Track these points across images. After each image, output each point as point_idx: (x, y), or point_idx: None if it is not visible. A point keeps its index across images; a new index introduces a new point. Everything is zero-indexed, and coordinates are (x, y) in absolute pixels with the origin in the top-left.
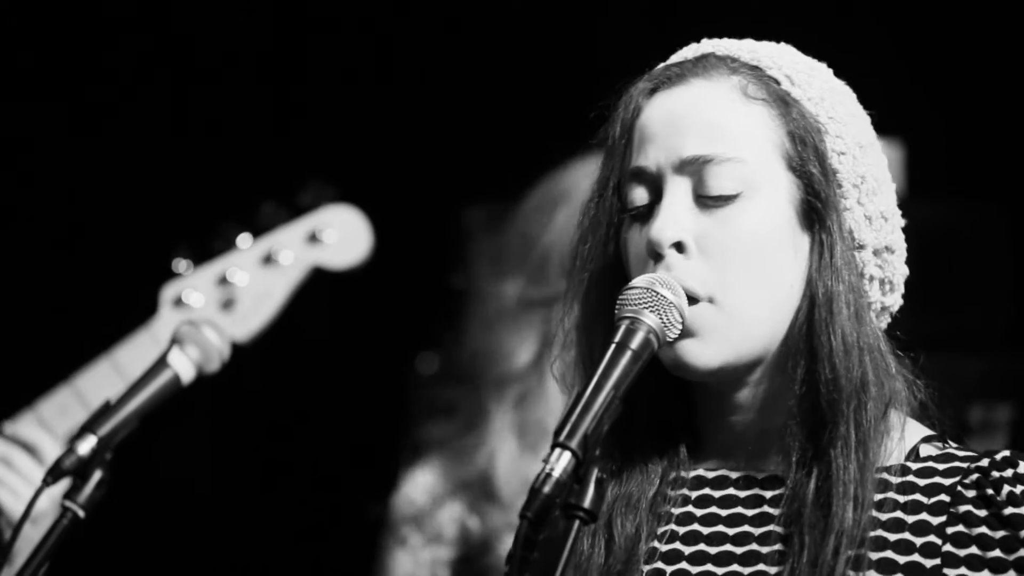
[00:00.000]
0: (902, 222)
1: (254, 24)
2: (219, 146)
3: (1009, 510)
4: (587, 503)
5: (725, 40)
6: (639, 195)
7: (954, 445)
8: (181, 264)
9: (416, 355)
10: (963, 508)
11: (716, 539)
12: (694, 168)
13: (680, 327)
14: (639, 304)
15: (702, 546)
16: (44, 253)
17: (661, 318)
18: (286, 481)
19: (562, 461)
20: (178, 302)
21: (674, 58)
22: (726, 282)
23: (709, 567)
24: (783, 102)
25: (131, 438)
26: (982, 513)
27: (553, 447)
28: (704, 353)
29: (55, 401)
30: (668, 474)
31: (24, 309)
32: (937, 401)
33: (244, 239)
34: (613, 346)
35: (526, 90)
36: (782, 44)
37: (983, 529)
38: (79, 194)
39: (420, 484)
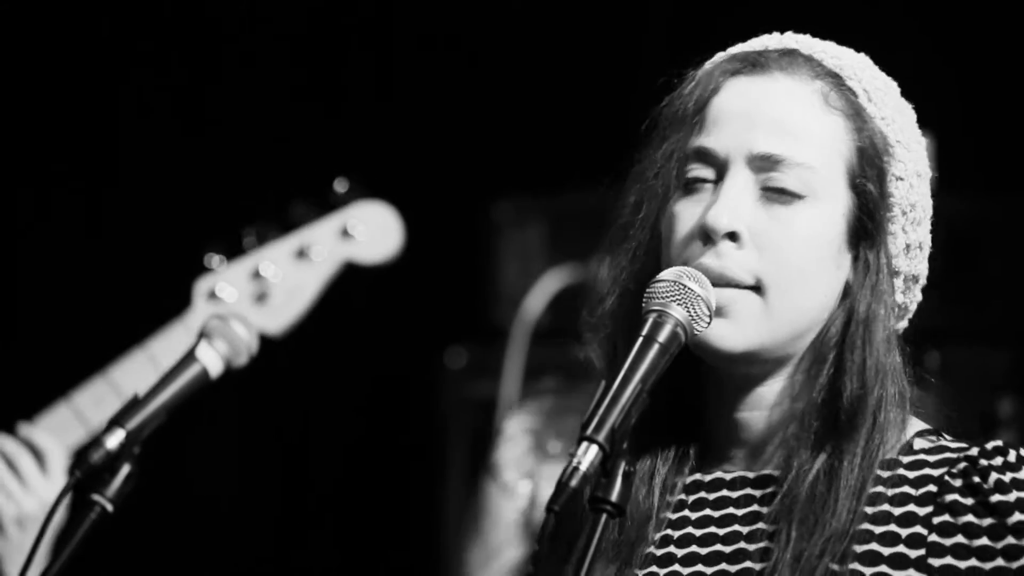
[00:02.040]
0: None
1: (289, 21)
2: (252, 142)
3: (996, 497)
4: (614, 496)
5: (808, 38)
6: (700, 174)
7: (948, 438)
8: (215, 259)
9: (445, 349)
10: (949, 497)
11: (707, 540)
12: (763, 164)
13: (708, 321)
14: (667, 297)
15: (694, 548)
16: (81, 247)
17: (689, 311)
18: (314, 475)
19: (589, 454)
20: (212, 295)
21: (755, 44)
22: (770, 278)
23: (699, 567)
24: (859, 117)
25: (159, 431)
26: (968, 502)
27: (580, 440)
28: (732, 336)
29: (90, 392)
30: (669, 478)
31: (61, 302)
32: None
33: (277, 234)
34: (641, 339)
35: (556, 85)
36: (861, 54)
37: (969, 517)
38: (115, 189)
39: (521, 424)
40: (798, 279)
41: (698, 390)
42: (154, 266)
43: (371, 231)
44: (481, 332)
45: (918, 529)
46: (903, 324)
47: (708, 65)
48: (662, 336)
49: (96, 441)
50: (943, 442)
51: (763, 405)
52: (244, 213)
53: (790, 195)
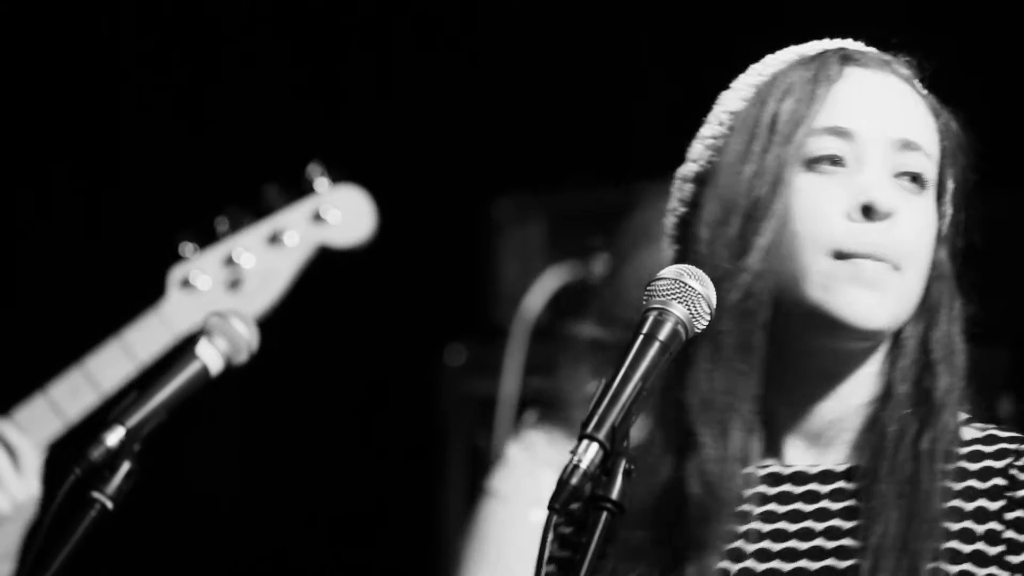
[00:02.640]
0: None
1: (289, 18)
2: (248, 141)
3: None
4: (615, 495)
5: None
6: (835, 151)
7: (992, 426)
8: (187, 247)
9: (444, 347)
10: (1021, 493)
11: (778, 536)
12: (899, 150)
13: (708, 318)
14: (667, 295)
15: (766, 543)
16: (53, 238)
17: (689, 309)
18: (312, 473)
19: (590, 453)
20: (185, 284)
21: (809, 48)
22: (908, 259)
23: (776, 563)
24: (947, 126)
25: (159, 429)
26: None
27: (581, 438)
28: (878, 307)
29: (66, 383)
30: (740, 467)
31: (34, 294)
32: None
33: (249, 221)
34: (641, 337)
35: (557, 83)
36: None
37: None
38: (86, 179)
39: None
40: (922, 264)
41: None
42: (128, 255)
43: (344, 215)
44: (481, 330)
45: (993, 525)
46: None
47: (817, 50)
48: (663, 334)
49: (96, 438)
50: (991, 431)
51: (845, 393)
52: (216, 200)
53: (921, 182)
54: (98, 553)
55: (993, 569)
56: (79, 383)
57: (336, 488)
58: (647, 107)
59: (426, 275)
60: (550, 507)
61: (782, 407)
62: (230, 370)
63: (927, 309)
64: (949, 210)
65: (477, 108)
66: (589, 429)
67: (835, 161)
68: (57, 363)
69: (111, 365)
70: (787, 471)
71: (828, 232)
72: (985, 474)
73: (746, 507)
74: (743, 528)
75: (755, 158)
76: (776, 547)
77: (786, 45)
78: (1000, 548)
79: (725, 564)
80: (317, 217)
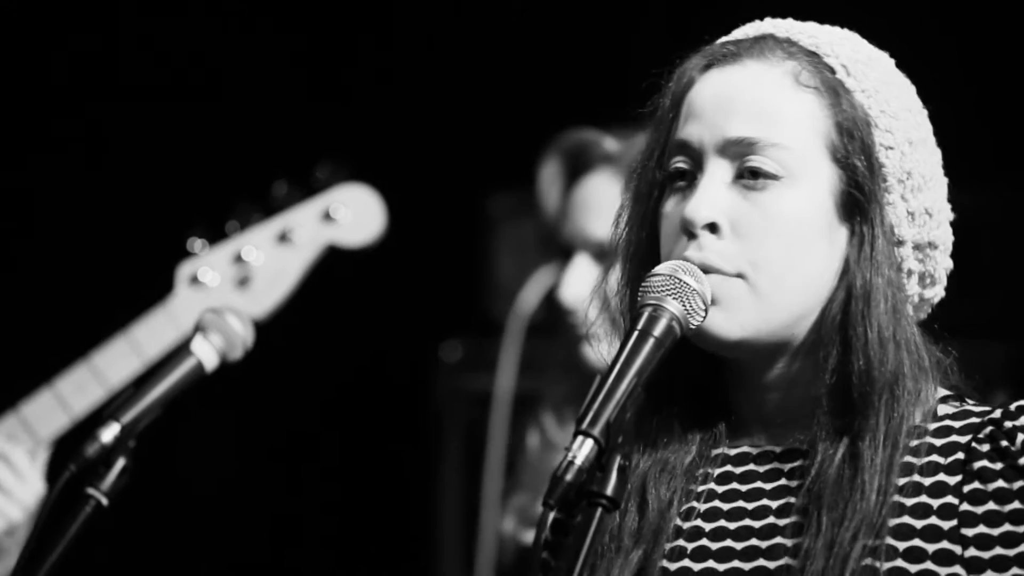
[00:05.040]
0: (951, 216)
1: (290, 12)
2: (247, 133)
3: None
4: (610, 491)
5: (787, 21)
6: (682, 168)
7: (972, 403)
8: (196, 243)
9: (440, 343)
10: (978, 464)
11: (736, 515)
12: (737, 150)
13: (704, 314)
14: (662, 291)
15: (722, 522)
16: (62, 233)
17: (684, 305)
18: (308, 469)
19: (584, 449)
20: (194, 280)
21: (733, 35)
22: (757, 264)
23: (729, 543)
24: (835, 92)
25: (154, 425)
26: (998, 466)
27: (576, 435)
28: (726, 325)
29: (72, 378)
30: (702, 448)
31: (43, 288)
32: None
33: (259, 218)
34: (636, 333)
35: (552, 79)
36: (845, 30)
37: (1000, 483)
38: (97, 174)
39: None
40: (784, 261)
41: (719, 371)
42: (137, 251)
43: (354, 214)
44: (477, 325)
45: (949, 499)
46: (933, 292)
47: (685, 62)
48: (657, 330)
49: (91, 434)
50: (967, 406)
51: (778, 388)
52: (226, 197)
53: (766, 177)
54: (93, 549)
55: (944, 543)
56: (86, 378)
57: (331, 483)
58: (644, 105)
59: (422, 271)
60: (545, 503)
61: (740, 394)
62: (225, 366)
63: (844, 292)
64: (873, 182)
65: (474, 104)
66: (584, 425)
67: (683, 176)
68: (65, 358)
69: (118, 361)
70: (732, 452)
71: (677, 253)
72: (948, 449)
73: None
74: (684, 507)
75: (635, 186)
76: (708, 526)
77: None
78: (953, 522)
79: (680, 542)
80: (327, 216)
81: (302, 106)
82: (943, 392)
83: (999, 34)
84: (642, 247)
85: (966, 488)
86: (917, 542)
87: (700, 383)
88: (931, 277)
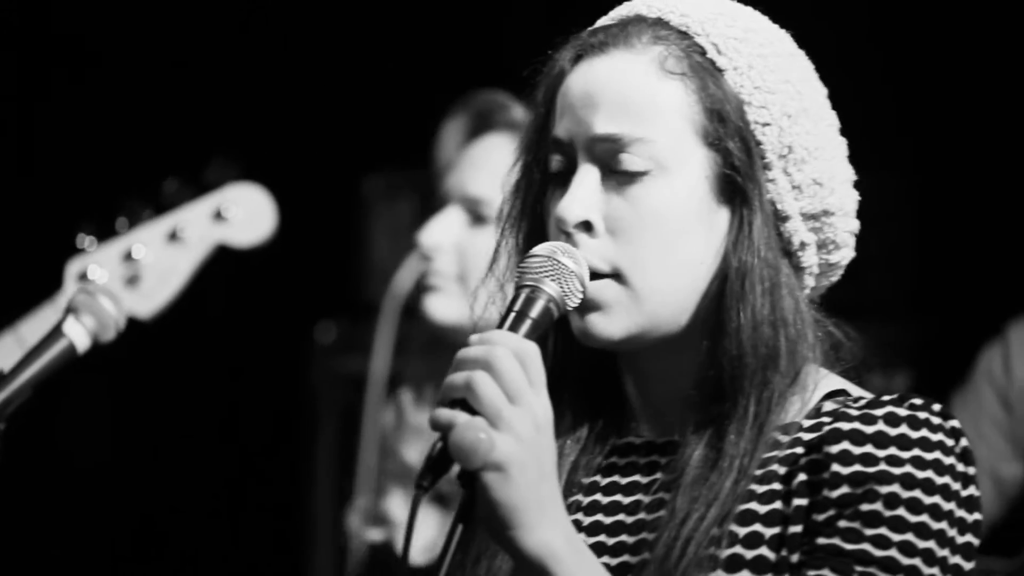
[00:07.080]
0: (852, 177)
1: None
2: (122, 118)
3: (828, 448)
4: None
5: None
6: (558, 165)
7: (856, 395)
8: (86, 240)
9: (315, 324)
10: (813, 456)
11: (612, 509)
12: (604, 147)
13: (581, 296)
14: (540, 272)
15: (599, 516)
16: None
17: (562, 287)
18: (183, 449)
19: None
20: (83, 277)
21: (602, 20)
22: (632, 260)
23: (602, 537)
24: (703, 76)
25: (25, 408)
26: (818, 457)
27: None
28: (608, 325)
29: None
30: (593, 439)
31: None
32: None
33: (149, 216)
34: (513, 314)
35: (425, 59)
36: (722, 4)
37: (819, 475)
38: None
39: None
40: (659, 255)
41: (614, 360)
42: (26, 248)
43: (245, 214)
44: (351, 307)
45: (779, 489)
46: (840, 255)
47: (557, 54)
48: (534, 312)
49: None
50: (846, 405)
51: (663, 379)
52: (116, 194)
53: (634, 174)
54: None
55: (763, 550)
56: None
57: (206, 465)
58: (517, 85)
59: (296, 253)
60: (418, 485)
61: (630, 385)
62: (97, 348)
63: (720, 277)
64: (751, 163)
65: (346, 85)
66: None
67: (561, 174)
68: None
69: (4, 357)
70: (619, 442)
71: None
72: (806, 446)
73: (577, 478)
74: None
75: (516, 175)
76: (587, 520)
77: None
78: (776, 529)
79: (577, 516)
80: (218, 215)
81: (188, 100)
82: (835, 384)
83: (879, 23)
84: (525, 241)
85: (794, 482)
86: (758, 527)
87: (592, 374)
88: (833, 243)
